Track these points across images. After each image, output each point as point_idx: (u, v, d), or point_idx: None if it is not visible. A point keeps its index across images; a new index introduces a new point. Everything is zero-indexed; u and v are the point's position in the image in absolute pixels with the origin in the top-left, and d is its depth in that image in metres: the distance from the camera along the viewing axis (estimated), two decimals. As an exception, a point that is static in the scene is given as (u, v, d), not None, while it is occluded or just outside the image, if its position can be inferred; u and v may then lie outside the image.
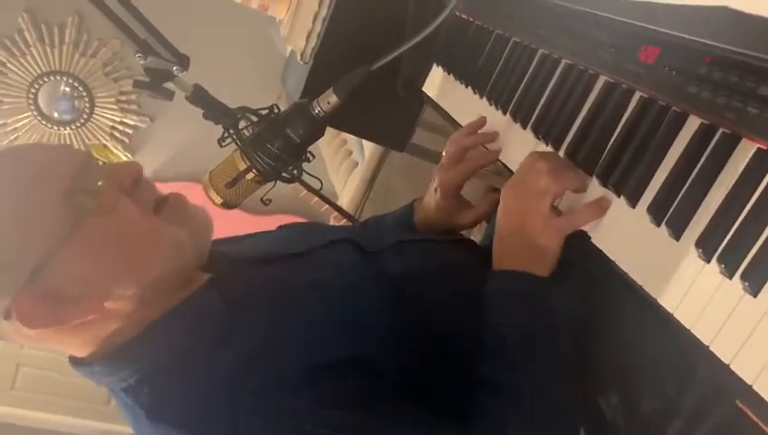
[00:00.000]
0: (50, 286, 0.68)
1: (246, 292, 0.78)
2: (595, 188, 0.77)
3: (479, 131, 1.03)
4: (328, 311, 0.76)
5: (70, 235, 0.68)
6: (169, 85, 0.92)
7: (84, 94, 3.45)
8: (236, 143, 0.91)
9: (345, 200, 2.46)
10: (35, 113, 3.47)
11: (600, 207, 0.75)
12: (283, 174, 0.92)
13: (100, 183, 0.70)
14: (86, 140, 3.51)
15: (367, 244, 0.91)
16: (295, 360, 0.70)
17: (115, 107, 3.49)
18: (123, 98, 3.48)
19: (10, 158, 0.74)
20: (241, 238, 1.00)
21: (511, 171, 0.94)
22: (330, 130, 2.65)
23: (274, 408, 0.68)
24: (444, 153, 1.04)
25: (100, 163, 0.74)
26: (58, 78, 3.42)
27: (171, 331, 0.74)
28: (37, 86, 3.42)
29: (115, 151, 0.78)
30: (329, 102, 0.89)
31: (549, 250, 0.79)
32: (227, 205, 0.91)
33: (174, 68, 0.92)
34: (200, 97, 0.93)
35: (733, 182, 0.60)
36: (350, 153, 2.65)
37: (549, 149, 0.87)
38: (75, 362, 0.78)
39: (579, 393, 0.79)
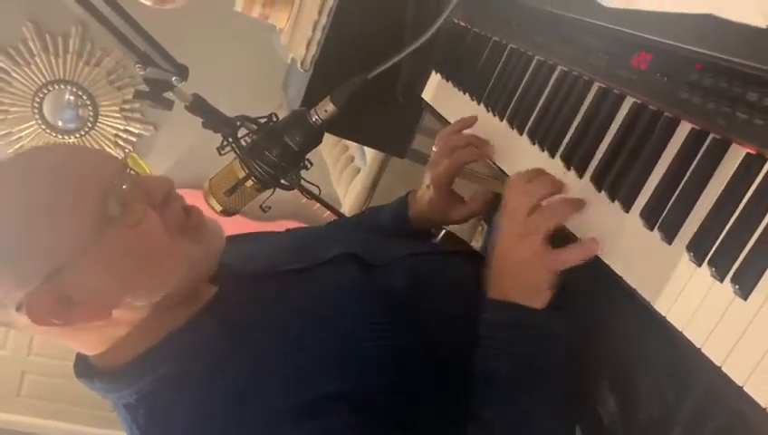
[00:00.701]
0: (64, 288, 0.68)
1: (244, 316, 0.78)
2: (591, 193, 0.78)
3: (466, 131, 1.03)
4: (323, 341, 0.76)
5: (96, 241, 0.68)
6: (169, 95, 0.94)
7: (88, 103, 3.48)
8: (235, 151, 0.92)
9: (347, 206, 2.47)
10: (40, 122, 3.49)
11: (590, 248, 0.74)
12: (282, 181, 0.93)
13: (129, 191, 0.71)
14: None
15: (369, 255, 0.91)
16: (287, 393, 0.70)
17: (119, 115, 3.52)
18: (127, 106, 3.50)
19: (57, 154, 0.75)
20: (245, 239, 1.01)
21: (504, 173, 0.95)
22: (332, 138, 2.67)
23: None
24: (433, 150, 1.05)
25: (133, 174, 0.75)
26: (62, 87, 3.44)
27: (170, 356, 0.75)
28: (42, 95, 3.44)
29: (145, 166, 0.79)
30: (326, 111, 0.90)
31: (541, 286, 0.77)
32: (227, 212, 0.92)
33: (173, 78, 0.93)
34: (199, 106, 0.95)
35: (723, 186, 0.61)
36: (353, 160, 2.66)
37: (545, 154, 0.88)
38: (79, 373, 0.79)
39: (565, 424, 0.79)
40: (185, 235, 0.76)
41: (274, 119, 0.94)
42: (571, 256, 0.76)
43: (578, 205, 0.77)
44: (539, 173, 0.83)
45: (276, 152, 0.89)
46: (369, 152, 2.37)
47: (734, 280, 0.57)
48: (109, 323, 0.73)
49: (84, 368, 0.79)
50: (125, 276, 0.71)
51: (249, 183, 0.90)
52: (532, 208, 0.78)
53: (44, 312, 0.69)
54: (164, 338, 0.75)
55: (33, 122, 3.49)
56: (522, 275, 0.78)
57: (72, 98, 3.47)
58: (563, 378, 0.77)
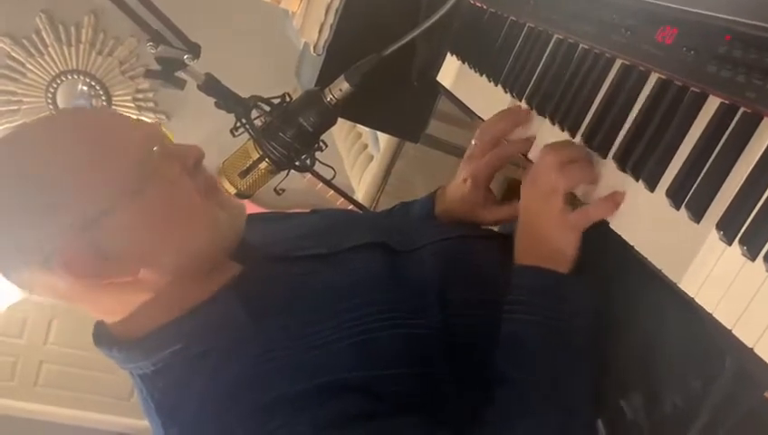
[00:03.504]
0: (99, 239, 0.70)
1: (265, 298, 0.78)
2: (614, 173, 0.76)
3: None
4: (339, 329, 0.75)
5: (134, 194, 0.70)
6: (181, 74, 0.93)
7: (101, 93, 3.48)
8: (249, 132, 0.91)
9: (361, 194, 2.46)
10: (54, 112, 3.50)
11: (614, 200, 0.74)
12: (296, 163, 0.91)
13: (167, 150, 0.74)
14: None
15: (397, 242, 0.89)
16: (302, 378, 0.70)
17: (132, 105, 3.52)
18: (140, 96, 3.50)
19: (103, 111, 0.80)
20: (274, 218, 1.00)
21: (528, 160, 0.93)
22: (345, 124, 2.64)
23: (274, 427, 0.68)
24: (473, 142, 0.99)
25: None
26: (75, 77, 3.45)
27: (190, 331, 0.75)
28: (55, 85, 3.45)
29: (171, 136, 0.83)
30: (341, 90, 0.89)
31: (566, 247, 0.79)
32: (241, 194, 0.91)
33: (185, 56, 0.92)
34: (212, 86, 0.94)
35: (754, 162, 0.59)
36: (366, 147, 2.64)
37: (565, 134, 0.86)
38: (98, 340, 0.80)
39: (595, 391, 0.78)
40: (210, 199, 0.78)
41: (288, 99, 0.92)
42: (595, 211, 0.76)
43: (593, 171, 0.78)
44: (566, 146, 0.82)
45: (291, 133, 0.88)
46: (383, 139, 2.35)
47: (767, 258, 0.55)
48: (133, 285, 0.73)
49: (103, 336, 0.80)
50: (158, 232, 0.73)
51: (263, 165, 0.89)
52: (554, 170, 0.79)
53: (77, 262, 0.69)
54: (184, 313, 0.76)
55: (48, 113, 3.50)
56: (547, 238, 0.79)
57: (85, 88, 3.47)
58: (587, 342, 0.78)
